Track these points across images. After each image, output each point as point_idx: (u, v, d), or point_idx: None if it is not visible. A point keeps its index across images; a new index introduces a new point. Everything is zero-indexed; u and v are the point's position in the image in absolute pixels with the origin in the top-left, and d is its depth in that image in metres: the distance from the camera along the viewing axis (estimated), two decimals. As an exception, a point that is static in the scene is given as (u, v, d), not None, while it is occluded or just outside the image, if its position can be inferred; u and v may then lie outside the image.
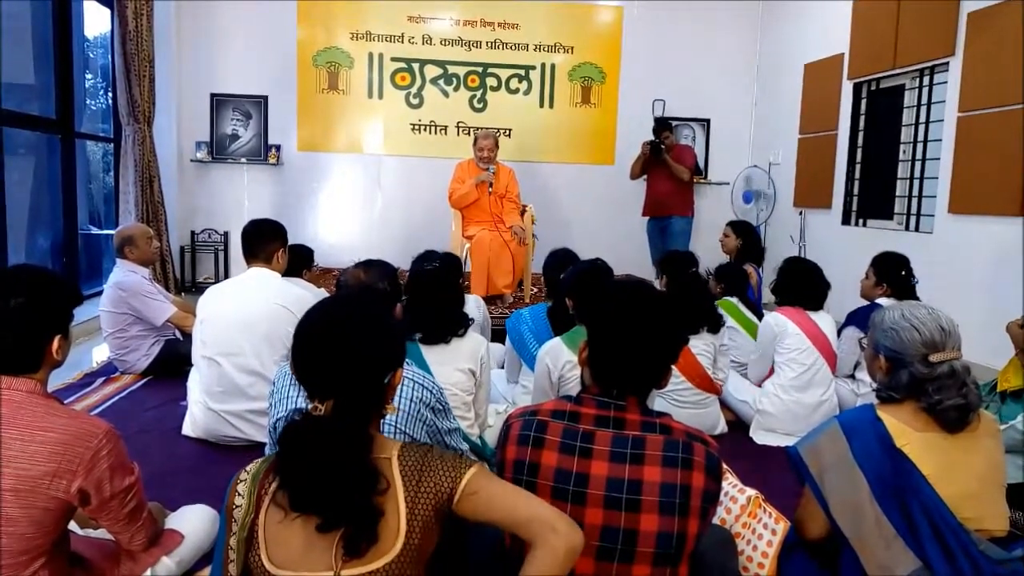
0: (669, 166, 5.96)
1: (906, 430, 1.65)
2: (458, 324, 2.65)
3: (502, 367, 3.65)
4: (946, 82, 4.70)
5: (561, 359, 2.66)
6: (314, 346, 1.30)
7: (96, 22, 6.36)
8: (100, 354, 4.43)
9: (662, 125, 6.09)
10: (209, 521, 2.05)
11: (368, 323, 1.33)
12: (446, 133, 6.97)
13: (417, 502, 1.25)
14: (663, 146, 5.98)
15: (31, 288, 1.54)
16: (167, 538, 1.89)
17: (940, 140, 4.74)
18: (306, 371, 1.30)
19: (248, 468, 1.33)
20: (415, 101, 6.92)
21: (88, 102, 6.57)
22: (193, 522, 1.98)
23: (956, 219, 4.54)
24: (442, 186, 5.78)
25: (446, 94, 6.94)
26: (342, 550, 1.20)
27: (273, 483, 1.27)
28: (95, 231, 6.37)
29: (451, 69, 6.91)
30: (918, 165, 5.09)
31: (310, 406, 1.28)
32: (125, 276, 3.98)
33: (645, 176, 6.32)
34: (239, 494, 1.29)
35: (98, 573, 1.71)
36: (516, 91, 7.01)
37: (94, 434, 1.53)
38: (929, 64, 4.88)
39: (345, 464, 1.21)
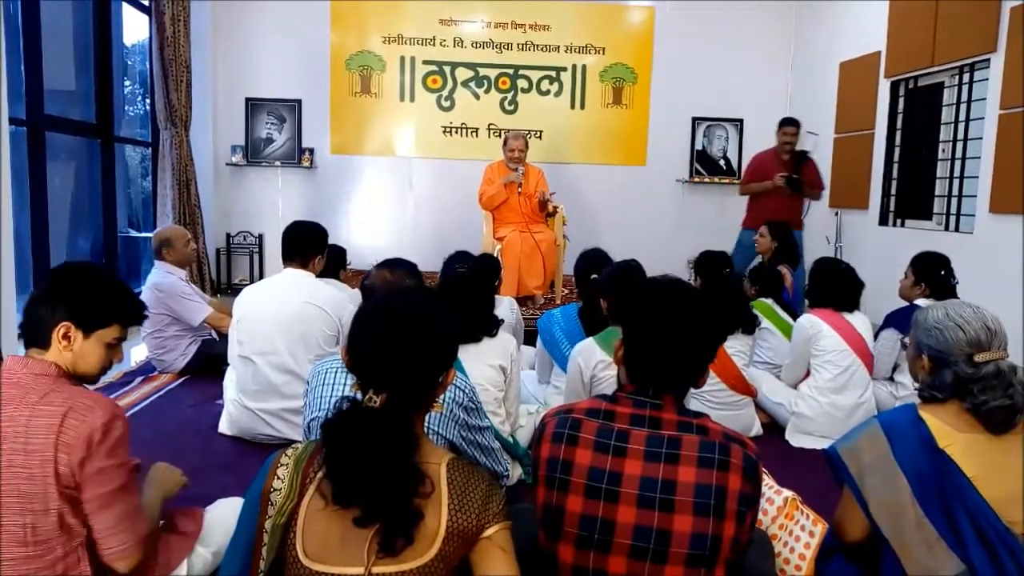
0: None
1: (949, 431, 1.61)
2: (489, 326, 2.67)
3: (533, 368, 3.65)
4: (987, 79, 4.60)
5: (593, 359, 2.66)
6: (379, 336, 1.29)
7: (135, 29, 6.49)
8: (139, 354, 4.51)
9: (801, 158, 5.52)
10: None
11: (432, 319, 1.33)
12: (477, 135, 6.99)
13: (460, 513, 1.24)
14: (800, 180, 5.46)
15: (55, 271, 1.69)
16: (188, 517, 1.91)
17: (980, 138, 4.64)
18: (366, 361, 1.29)
19: (288, 452, 1.32)
20: (446, 104, 6.95)
21: (127, 108, 6.70)
22: (229, 514, 2.00)
23: (997, 219, 4.44)
24: (473, 188, 5.80)
25: (477, 96, 6.96)
26: (376, 546, 1.19)
27: (319, 471, 1.26)
28: (134, 234, 6.49)
29: (482, 71, 6.93)
30: (958, 164, 4.99)
31: (360, 396, 1.27)
32: (163, 277, 4.05)
33: None
34: (279, 477, 1.27)
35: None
36: (547, 92, 7.01)
37: (90, 408, 1.54)
38: (969, 61, 4.78)
39: (393, 458, 1.21)
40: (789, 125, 5.56)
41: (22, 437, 1.47)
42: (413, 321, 1.30)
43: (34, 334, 1.62)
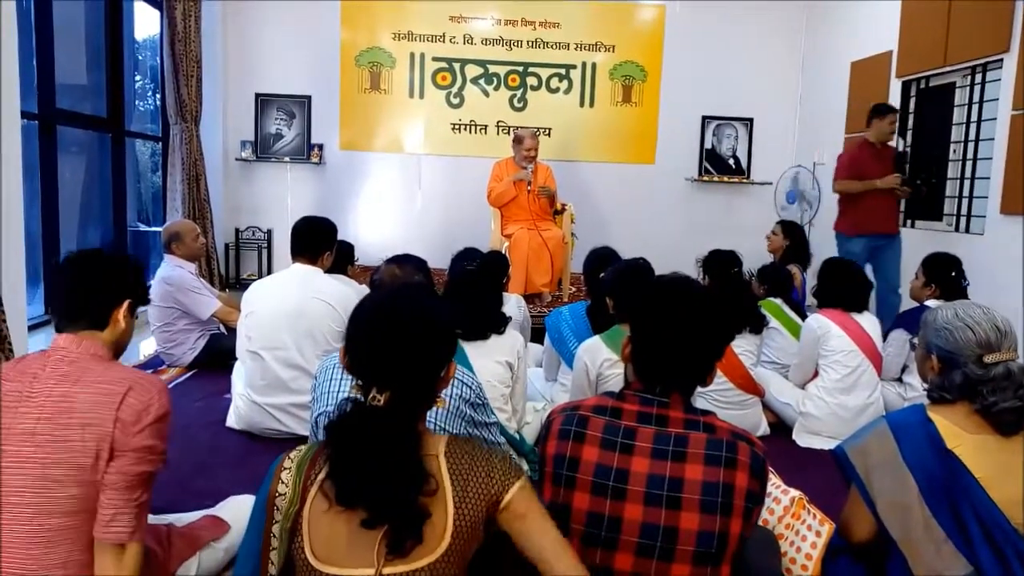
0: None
1: (958, 432, 1.61)
2: (497, 323, 2.67)
3: (540, 366, 3.65)
4: (999, 80, 4.57)
5: (599, 357, 2.66)
6: (378, 335, 1.27)
7: (146, 24, 6.54)
8: (147, 348, 4.53)
9: (903, 159, 4.95)
10: None
11: (428, 315, 1.31)
12: (486, 132, 6.99)
13: (465, 503, 1.24)
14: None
15: (104, 255, 1.76)
16: (214, 526, 1.92)
17: (992, 139, 4.62)
18: (366, 361, 1.28)
19: (291, 455, 1.31)
20: (455, 101, 6.95)
21: (137, 102, 6.74)
22: (240, 511, 2.01)
23: (1008, 220, 4.41)
24: (481, 185, 5.79)
25: (486, 93, 6.96)
26: (385, 547, 1.19)
27: (320, 472, 1.25)
28: (143, 228, 6.53)
29: (492, 68, 6.93)
30: (969, 165, 4.96)
31: (362, 396, 1.26)
32: (172, 271, 4.06)
33: None
34: (283, 482, 1.27)
35: (150, 555, 1.73)
36: (556, 90, 7.00)
37: (148, 387, 1.58)
38: (982, 61, 4.75)
39: (398, 459, 1.20)
40: (892, 112, 4.87)
41: (78, 413, 1.50)
42: (411, 319, 1.29)
43: (90, 312, 1.67)
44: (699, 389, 1.53)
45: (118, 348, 1.73)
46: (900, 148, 4.99)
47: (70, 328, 1.66)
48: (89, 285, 1.69)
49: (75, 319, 1.66)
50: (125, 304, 1.70)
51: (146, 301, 1.82)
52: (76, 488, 1.48)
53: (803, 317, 3.81)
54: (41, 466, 1.47)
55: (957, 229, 5.03)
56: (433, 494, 1.22)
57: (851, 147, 5.09)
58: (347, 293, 3.20)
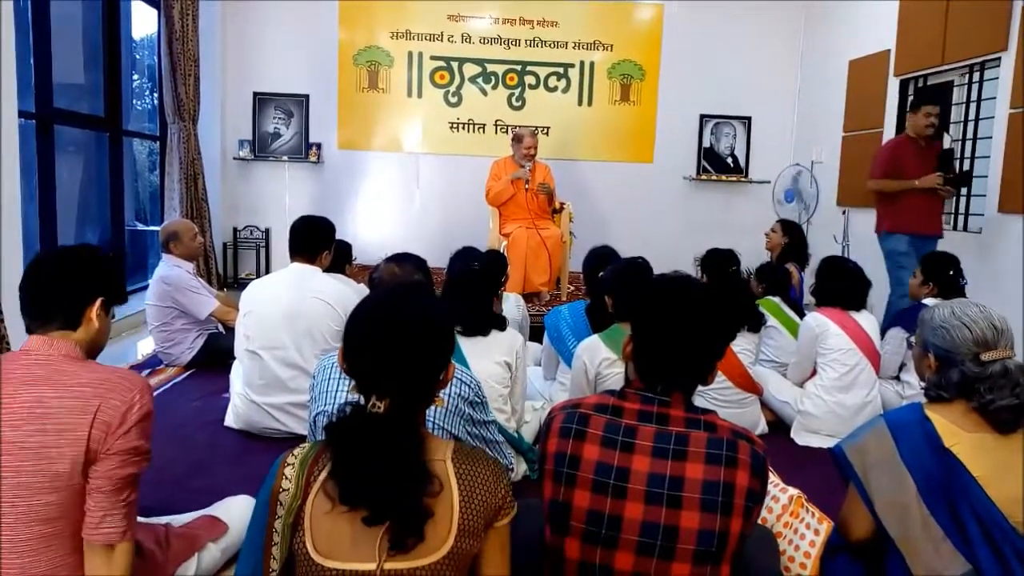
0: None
1: (956, 430, 1.61)
2: (497, 322, 2.68)
3: (539, 364, 3.66)
4: (997, 78, 4.57)
5: (598, 356, 2.66)
6: (374, 344, 1.26)
7: (143, 23, 6.52)
8: (145, 347, 4.53)
9: (948, 157, 4.58)
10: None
11: (427, 319, 1.30)
12: (484, 131, 6.99)
13: (471, 506, 1.25)
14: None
15: (76, 252, 1.67)
16: (212, 527, 1.92)
17: (990, 137, 4.63)
18: (364, 369, 1.27)
19: (296, 452, 1.31)
20: (454, 99, 6.95)
21: (135, 101, 6.73)
22: (238, 512, 2.01)
23: (1006, 218, 4.42)
24: (480, 184, 5.80)
25: (484, 92, 6.96)
26: (387, 543, 1.19)
27: (322, 471, 1.25)
28: (141, 227, 6.52)
29: (490, 67, 6.93)
30: (967, 163, 4.97)
31: (363, 401, 1.26)
32: (170, 270, 4.06)
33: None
34: (286, 478, 1.27)
35: (148, 555, 1.73)
36: (555, 89, 7.00)
37: (129, 387, 1.53)
38: (979, 60, 4.75)
39: (399, 461, 1.20)
40: (932, 104, 4.52)
41: (53, 417, 1.45)
42: (410, 318, 1.28)
43: (60, 312, 1.59)
44: (699, 388, 1.53)
45: (93, 348, 1.66)
46: (947, 145, 4.78)
47: (41, 329, 1.58)
48: (58, 284, 1.61)
49: (46, 320, 1.58)
50: (98, 302, 1.62)
51: (122, 299, 1.74)
52: (53, 495, 1.44)
53: (801, 315, 3.81)
54: (15, 473, 1.42)
55: (955, 227, 5.03)
56: (437, 495, 1.23)
57: (890, 143, 4.83)
58: (346, 292, 3.20)
